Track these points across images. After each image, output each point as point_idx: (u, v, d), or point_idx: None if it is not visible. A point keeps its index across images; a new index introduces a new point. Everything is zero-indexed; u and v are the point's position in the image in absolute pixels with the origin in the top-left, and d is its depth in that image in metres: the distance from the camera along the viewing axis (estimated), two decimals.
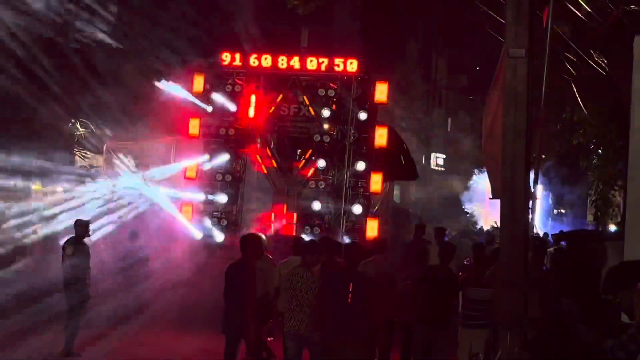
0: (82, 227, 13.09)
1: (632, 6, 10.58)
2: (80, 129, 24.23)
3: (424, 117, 36.66)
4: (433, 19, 37.02)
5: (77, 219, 13.59)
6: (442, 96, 41.71)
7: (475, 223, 31.73)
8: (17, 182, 21.94)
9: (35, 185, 23.36)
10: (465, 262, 12.75)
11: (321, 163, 16.09)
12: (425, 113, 37.48)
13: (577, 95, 15.61)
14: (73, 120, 23.10)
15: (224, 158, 16.74)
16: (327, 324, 9.26)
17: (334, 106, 16.15)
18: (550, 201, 36.68)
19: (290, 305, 9.76)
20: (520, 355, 5.59)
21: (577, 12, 12.98)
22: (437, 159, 38.58)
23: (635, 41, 7.45)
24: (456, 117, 42.64)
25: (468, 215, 34.00)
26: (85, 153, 26.27)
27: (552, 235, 21.54)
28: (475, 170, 34.07)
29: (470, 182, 35.16)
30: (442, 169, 38.53)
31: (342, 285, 9.29)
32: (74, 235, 13.21)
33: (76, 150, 25.61)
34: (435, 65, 40.26)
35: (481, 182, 31.65)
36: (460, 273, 12.11)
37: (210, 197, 16.61)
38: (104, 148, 26.69)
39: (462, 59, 39.95)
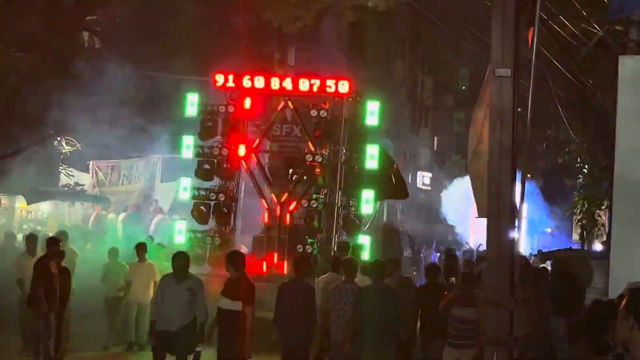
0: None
1: (617, 27, 10.63)
2: (66, 147, 24.14)
3: (411, 136, 36.76)
4: (419, 39, 37.27)
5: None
6: (429, 115, 41.86)
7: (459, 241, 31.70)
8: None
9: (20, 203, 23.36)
10: (452, 281, 12.78)
11: (313, 183, 16.26)
12: (411, 132, 37.60)
13: (562, 114, 15.67)
14: (58, 138, 22.99)
15: (217, 178, 16.80)
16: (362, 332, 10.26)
17: (325, 127, 16.20)
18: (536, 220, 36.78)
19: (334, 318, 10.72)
20: None
21: (562, 32, 13.06)
22: (424, 178, 38.63)
23: (620, 61, 7.51)
24: (442, 136, 42.79)
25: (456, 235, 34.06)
26: (71, 171, 26.23)
27: (537, 253, 21.61)
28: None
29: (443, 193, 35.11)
30: (428, 187, 38.55)
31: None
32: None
33: (61, 168, 25.57)
34: (421, 85, 40.41)
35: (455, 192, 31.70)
36: (446, 292, 12.10)
37: (203, 214, 16.64)
38: (90, 166, 26.68)
39: (448, 79, 40.22)
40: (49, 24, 20.24)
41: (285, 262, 15.76)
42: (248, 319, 9.70)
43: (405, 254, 17.85)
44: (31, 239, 14.39)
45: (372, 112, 16.24)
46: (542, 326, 9.88)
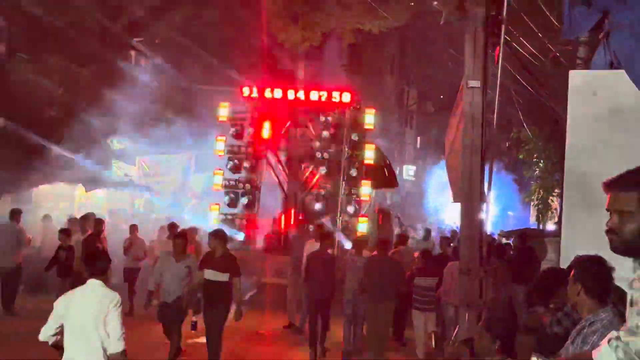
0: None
1: (568, 47, 10.60)
2: (117, 145, 24.12)
3: (398, 136, 36.77)
4: (405, 56, 37.26)
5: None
6: (413, 119, 41.79)
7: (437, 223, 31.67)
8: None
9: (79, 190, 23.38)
10: (415, 256, 12.83)
11: (322, 175, 16.58)
12: (398, 133, 37.55)
13: (522, 119, 15.63)
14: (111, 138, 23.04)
15: (244, 171, 17.05)
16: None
17: (332, 129, 16.48)
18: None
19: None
20: (481, 331, 5.54)
21: (522, 51, 13.03)
22: (409, 171, 38.57)
23: (571, 75, 7.48)
24: (424, 136, 42.70)
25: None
26: (121, 165, 26.20)
27: (500, 231, 21.58)
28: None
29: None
30: (413, 178, 38.53)
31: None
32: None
33: (114, 162, 25.53)
34: (407, 94, 40.37)
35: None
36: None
37: (233, 201, 16.91)
38: (137, 161, 26.62)
39: (429, 89, 40.11)
40: (104, 43, 20.22)
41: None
42: (237, 287, 9.59)
43: (395, 233, 17.93)
44: (85, 219, 14.42)
45: (369, 118, 16.46)
46: (506, 292, 9.88)
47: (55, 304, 6.04)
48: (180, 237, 10.15)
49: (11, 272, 13.78)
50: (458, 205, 8.39)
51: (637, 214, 3.05)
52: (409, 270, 11.83)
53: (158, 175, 27.39)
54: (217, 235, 9.79)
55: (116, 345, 5.84)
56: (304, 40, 21.68)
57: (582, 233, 7.24)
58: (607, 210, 3.20)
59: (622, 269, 4.95)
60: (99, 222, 13.88)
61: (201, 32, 22.06)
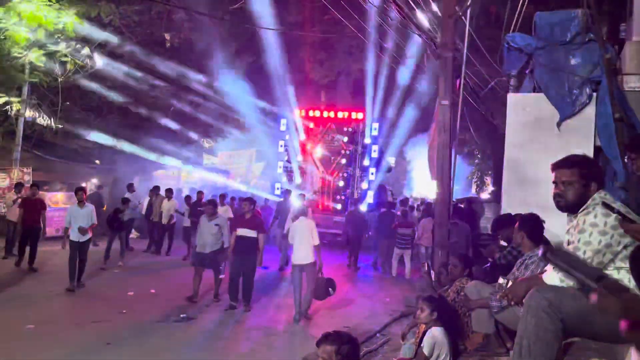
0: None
1: (503, 77, 10.43)
2: (206, 143, 24.23)
3: (388, 138, 36.52)
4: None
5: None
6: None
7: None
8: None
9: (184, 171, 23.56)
10: (397, 214, 13.04)
11: (344, 164, 16.87)
12: (385, 135, 37.26)
13: (470, 127, 15.45)
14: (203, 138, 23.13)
15: (294, 163, 17.34)
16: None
17: (351, 136, 16.95)
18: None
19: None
20: (453, 260, 5.55)
21: (470, 81, 12.89)
22: (390, 160, 38.32)
23: (509, 97, 7.38)
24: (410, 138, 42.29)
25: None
26: (209, 157, 26.36)
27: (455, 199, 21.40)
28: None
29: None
30: (393, 165, 38.28)
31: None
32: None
33: (204, 154, 25.69)
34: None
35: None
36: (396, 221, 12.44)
37: (289, 180, 17.24)
38: (218, 154, 26.74)
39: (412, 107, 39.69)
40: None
41: (330, 204, 16.79)
42: (262, 241, 8.31)
43: (388, 200, 18.21)
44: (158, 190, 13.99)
45: (375, 128, 16.81)
46: (462, 238, 9.85)
47: None
48: (209, 203, 8.86)
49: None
50: (427, 181, 8.39)
51: (575, 184, 3.05)
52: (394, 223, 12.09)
53: (232, 164, 27.60)
54: (248, 200, 8.54)
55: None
56: (325, 77, 21.60)
57: (515, 200, 7.19)
58: (554, 182, 3.18)
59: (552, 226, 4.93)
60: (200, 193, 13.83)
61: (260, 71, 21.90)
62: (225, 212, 12.61)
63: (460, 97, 8.14)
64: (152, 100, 16.86)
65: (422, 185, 30.01)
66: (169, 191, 13.66)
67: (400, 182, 34.94)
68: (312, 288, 7.84)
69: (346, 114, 16.99)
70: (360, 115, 16.91)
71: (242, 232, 8.26)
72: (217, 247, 8.66)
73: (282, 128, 17.39)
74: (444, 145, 7.75)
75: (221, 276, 8.86)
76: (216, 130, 21.18)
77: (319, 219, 14.47)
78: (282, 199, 12.66)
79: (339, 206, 16.18)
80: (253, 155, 27.78)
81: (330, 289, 7.39)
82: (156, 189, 14.02)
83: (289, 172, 17.24)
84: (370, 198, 16.13)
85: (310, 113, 17.30)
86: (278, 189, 16.94)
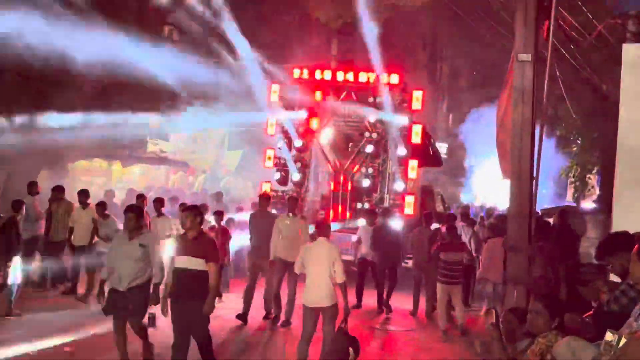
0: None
1: (616, 20, 10.37)
2: (152, 122, 24.23)
3: (431, 113, 36.56)
4: (437, 32, 36.90)
5: None
6: (445, 96, 41.50)
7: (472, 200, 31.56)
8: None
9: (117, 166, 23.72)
10: (442, 230, 13.06)
11: (370, 154, 16.74)
12: (430, 110, 37.36)
13: (564, 94, 15.40)
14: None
15: (294, 149, 17.27)
16: None
17: (379, 110, 16.58)
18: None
19: None
20: (535, 305, 5.52)
21: (564, 25, 12.79)
22: (441, 148, 38.43)
23: (624, 48, 7.34)
24: (455, 114, 42.41)
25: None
26: (156, 141, 26.41)
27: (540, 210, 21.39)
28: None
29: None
30: (445, 156, 38.36)
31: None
32: None
33: (148, 138, 25.73)
34: (440, 71, 40.06)
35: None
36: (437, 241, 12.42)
37: (284, 178, 17.25)
38: (171, 138, 26.84)
39: (461, 65, 39.74)
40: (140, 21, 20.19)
41: (348, 213, 16.96)
42: (214, 276, 7.62)
43: (438, 210, 18.10)
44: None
45: (417, 99, 16.47)
46: (551, 269, 9.80)
47: None
48: (131, 210, 8.23)
49: None
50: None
51: None
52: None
53: (192, 152, 27.71)
54: (191, 211, 7.89)
55: None
56: (338, 18, 21.68)
57: (635, 212, 7.15)
58: None
59: None
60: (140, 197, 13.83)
61: (235, 8, 22.01)
62: (166, 226, 12.62)
63: (550, 49, 8.12)
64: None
65: (489, 186, 29.96)
66: (83, 195, 13.48)
67: (454, 182, 34.99)
68: (327, 345, 7.90)
69: (372, 76, 16.58)
70: (394, 79, 16.51)
71: (180, 261, 7.64)
72: (140, 280, 8.05)
73: (274, 98, 17.31)
74: (523, 125, 7.73)
75: (151, 328, 8.35)
76: (166, 98, 21.24)
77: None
78: (257, 209, 12.54)
79: (361, 221, 15.49)
80: (225, 139, 27.88)
81: (351, 350, 7.29)
82: (59, 191, 13.86)
83: (282, 167, 17.09)
84: (410, 207, 15.87)
85: (318, 74, 16.91)
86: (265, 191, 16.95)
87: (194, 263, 7.56)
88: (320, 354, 7.89)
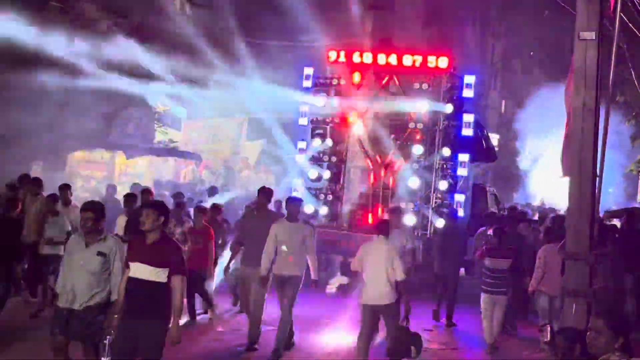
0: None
1: None
2: (160, 107, 24.45)
3: (481, 99, 36.25)
4: (489, 6, 36.59)
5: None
6: (498, 79, 41.11)
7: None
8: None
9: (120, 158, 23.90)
10: (489, 233, 12.95)
11: (414, 147, 16.52)
12: (480, 95, 37.04)
13: (634, 78, 15.18)
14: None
15: (329, 142, 17.18)
16: None
17: (426, 98, 16.49)
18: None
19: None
20: (595, 322, 5.47)
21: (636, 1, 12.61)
22: (492, 139, 38.13)
23: None
24: (510, 100, 42.02)
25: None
26: (165, 129, 26.62)
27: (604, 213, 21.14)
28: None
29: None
30: (496, 148, 38.08)
31: None
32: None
33: (157, 126, 25.93)
34: (492, 49, 39.66)
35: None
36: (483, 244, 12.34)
37: (317, 175, 17.07)
38: (183, 125, 27.06)
39: (517, 44, 39.37)
40: None
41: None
42: (178, 289, 7.04)
43: (491, 210, 18.02)
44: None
45: (469, 85, 16.49)
46: (616, 281, 9.71)
47: None
48: (88, 210, 7.44)
49: None
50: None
51: None
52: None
53: (205, 143, 27.89)
54: (154, 208, 7.28)
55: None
56: None
57: None
58: None
59: None
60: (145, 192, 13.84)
61: None
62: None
63: (617, 25, 8.02)
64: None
65: (548, 185, 29.68)
66: (64, 189, 12.92)
67: (508, 179, 34.77)
68: (389, 341, 7.99)
69: (418, 59, 16.58)
70: (443, 62, 16.51)
71: (133, 269, 7.04)
72: (100, 298, 7.36)
73: (306, 84, 17.38)
74: (585, 113, 7.65)
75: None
76: (177, 81, 21.43)
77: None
78: (255, 206, 12.22)
79: (411, 219, 15.52)
80: (244, 126, 28.01)
81: (413, 347, 7.37)
82: (26, 180, 13.27)
83: (316, 161, 17.01)
84: (459, 207, 15.84)
85: (357, 58, 16.83)
86: (295, 190, 16.88)
87: (151, 273, 6.96)
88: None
